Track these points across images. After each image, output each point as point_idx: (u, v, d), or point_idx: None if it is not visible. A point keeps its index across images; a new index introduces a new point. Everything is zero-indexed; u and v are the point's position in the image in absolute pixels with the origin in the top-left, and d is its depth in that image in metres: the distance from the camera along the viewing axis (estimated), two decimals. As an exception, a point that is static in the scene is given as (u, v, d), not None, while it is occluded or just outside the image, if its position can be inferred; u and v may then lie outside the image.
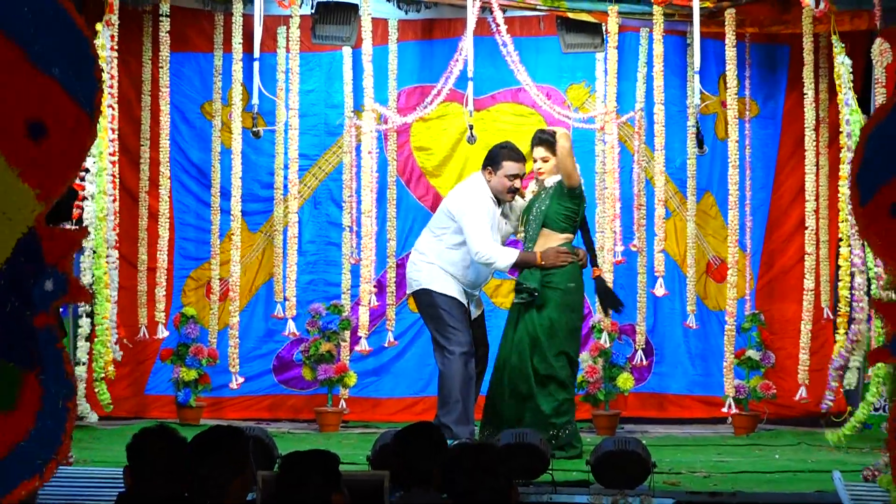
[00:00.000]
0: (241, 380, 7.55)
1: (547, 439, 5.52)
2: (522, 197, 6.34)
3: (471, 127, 7.21)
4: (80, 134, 2.73)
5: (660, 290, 7.41)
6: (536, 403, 6.02)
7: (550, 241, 6.10)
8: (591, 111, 7.88)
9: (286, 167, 7.60)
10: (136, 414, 7.85)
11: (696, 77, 7.60)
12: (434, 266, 6.20)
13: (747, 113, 8.08)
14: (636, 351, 7.90)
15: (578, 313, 6.17)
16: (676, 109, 8.00)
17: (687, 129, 7.89)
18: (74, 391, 2.82)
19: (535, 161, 6.24)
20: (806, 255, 7.71)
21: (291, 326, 7.51)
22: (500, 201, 6.22)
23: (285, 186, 7.70)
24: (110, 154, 6.98)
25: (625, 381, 7.63)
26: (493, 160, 6.19)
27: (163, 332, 7.57)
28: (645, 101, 7.76)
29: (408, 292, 6.42)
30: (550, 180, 6.16)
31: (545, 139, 6.19)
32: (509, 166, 6.12)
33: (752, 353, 7.75)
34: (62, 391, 2.75)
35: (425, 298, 6.20)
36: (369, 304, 7.37)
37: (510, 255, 6.04)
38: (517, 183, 6.14)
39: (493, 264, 6.03)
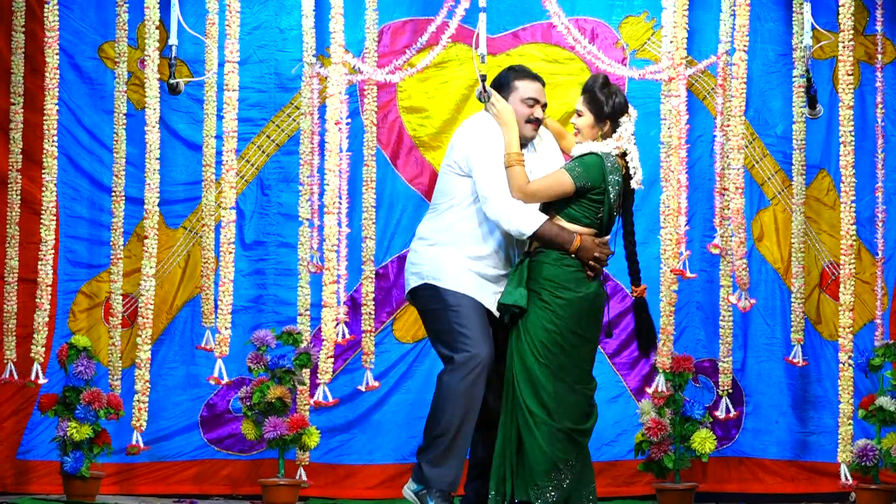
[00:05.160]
0: (142, 446, 7.29)
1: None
2: (544, 126, 6.32)
3: (483, 78, 6.75)
4: None
5: (745, 304, 7.15)
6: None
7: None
8: (655, 55, 7.78)
9: (220, 136, 7.38)
10: (4, 489, 7.67)
11: (807, 6, 7.43)
12: (441, 249, 6.13)
13: (879, 58, 7.89)
14: (719, 398, 7.66)
15: (568, 330, 5.97)
16: (778, 52, 7.98)
17: (793, 80, 7.73)
18: None
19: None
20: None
21: (221, 368, 7.14)
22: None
23: (218, 163, 7.46)
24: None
25: (703, 441, 7.33)
26: (499, 84, 6.24)
27: (42, 377, 7.23)
28: (732, 41, 7.45)
29: (407, 291, 6.31)
30: (579, 148, 6.11)
31: (587, 87, 6.09)
32: (525, 87, 6.16)
33: (884, 402, 7.29)
34: None
35: (427, 295, 6.14)
36: (338, 336, 7.24)
37: (535, 219, 5.96)
38: (538, 111, 6.17)
39: (510, 223, 5.98)
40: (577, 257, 5.94)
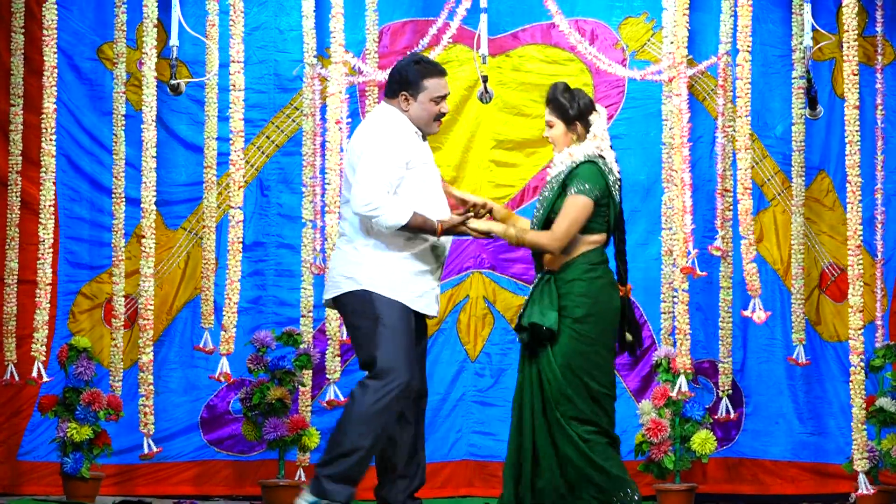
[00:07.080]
0: (156, 449, 7.37)
1: None
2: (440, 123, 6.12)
3: (484, 79, 7.13)
4: None
5: (760, 315, 7.07)
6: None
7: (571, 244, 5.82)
8: (655, 56, 7.80)
9: (220, 138, 7.48)
10: (4, 490, 7.63)
11: (807, 7, 7.41)
12: (378, 251, 5.87)
13: (879, 59, 7.88)
14: (719, 399, 7.68)
15: (601, 345, 5.79)
16: (777, 54, 7.95)
17: (792, 82, 7.74)
18: None
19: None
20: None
21: (226, 365, 7.19)
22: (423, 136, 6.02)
23: (219, 164, 7.53)
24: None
25: (703, 441, 7.34)
26: (407, 82, 5.92)
27: (44, 375, 7.20)
28: (732, 42, 7.45)
29: (328, 296, 5.97)
30: (563, 158, 5.83)
31: (549, 98, 5.86)
32: (434, 85, 5.92)
33: (884, 403, 7.32)
34: None
35: (361, 300, 5.86)
36: (344, 335, 7.10)
37: (402, 212, 5.76)
38: (445, 106, 5.98)
39: (380, 218, 5.76)
40: (449, 234, 5.81)
